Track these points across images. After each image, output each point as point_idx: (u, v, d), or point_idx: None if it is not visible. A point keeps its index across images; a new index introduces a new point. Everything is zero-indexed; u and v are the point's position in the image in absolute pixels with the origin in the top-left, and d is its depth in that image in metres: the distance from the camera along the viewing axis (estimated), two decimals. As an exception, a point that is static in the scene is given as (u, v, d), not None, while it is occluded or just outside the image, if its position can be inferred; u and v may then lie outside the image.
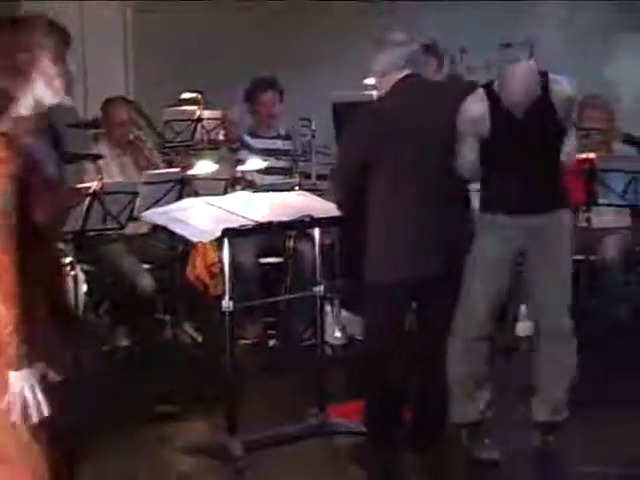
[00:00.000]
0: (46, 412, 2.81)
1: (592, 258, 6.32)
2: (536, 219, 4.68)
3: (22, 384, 2.79)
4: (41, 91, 2.87)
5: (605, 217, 6.49)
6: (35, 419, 2.80)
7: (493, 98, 4.63)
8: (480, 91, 4.67)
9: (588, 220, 6.24)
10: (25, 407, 2.79)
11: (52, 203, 2.89)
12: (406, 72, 4.69)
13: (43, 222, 2.87)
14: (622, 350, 5.92)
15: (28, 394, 2.80)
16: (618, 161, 6.21)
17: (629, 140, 6.63)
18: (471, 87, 4.84)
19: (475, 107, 4.63)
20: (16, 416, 2.80)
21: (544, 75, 4.64)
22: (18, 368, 2.80)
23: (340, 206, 4.85)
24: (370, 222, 4.67)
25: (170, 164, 6.73)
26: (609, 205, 6.24)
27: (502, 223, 4.67)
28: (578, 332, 4.80)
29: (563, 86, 4.69)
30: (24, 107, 2.87)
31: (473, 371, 4.71)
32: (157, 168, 6.52)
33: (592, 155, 6.00)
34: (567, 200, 4.81)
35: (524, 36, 4.93)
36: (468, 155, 4.64)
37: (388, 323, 4.72)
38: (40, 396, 2.81)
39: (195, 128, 7.19)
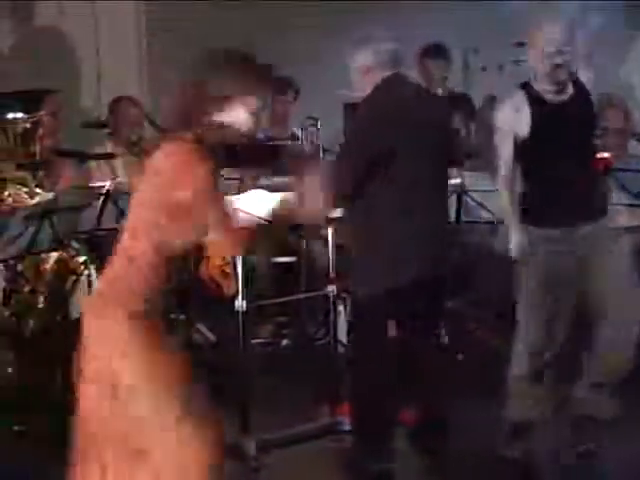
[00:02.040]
0: None
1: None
2: (587, 227, 4.66)
3: None
4: (235, 119, 3.27)
5: (619, 217, 6.46)
6: None
7: (532, 94, 4.58)
8: (519, 92, 4.60)
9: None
10: None
11: None
12: (391, 71, 4.55)
13: None
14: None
15: None
16: (635, 160, 6.19)
17: (644, 139, 6.61)
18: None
19: (514, 105, 4.55)
20: None
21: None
22: None
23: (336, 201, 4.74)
24: (369, 227, 4.58)
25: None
26: (624, 205, 6.21)
27: (554, 236, 4.62)
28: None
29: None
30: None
31: (534, 380, 4.71)
32: None
33: (607, 154, 5.98)
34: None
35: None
36: (506, 155, 4.57)
37: (378, 330, 4.65)
38: None
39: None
